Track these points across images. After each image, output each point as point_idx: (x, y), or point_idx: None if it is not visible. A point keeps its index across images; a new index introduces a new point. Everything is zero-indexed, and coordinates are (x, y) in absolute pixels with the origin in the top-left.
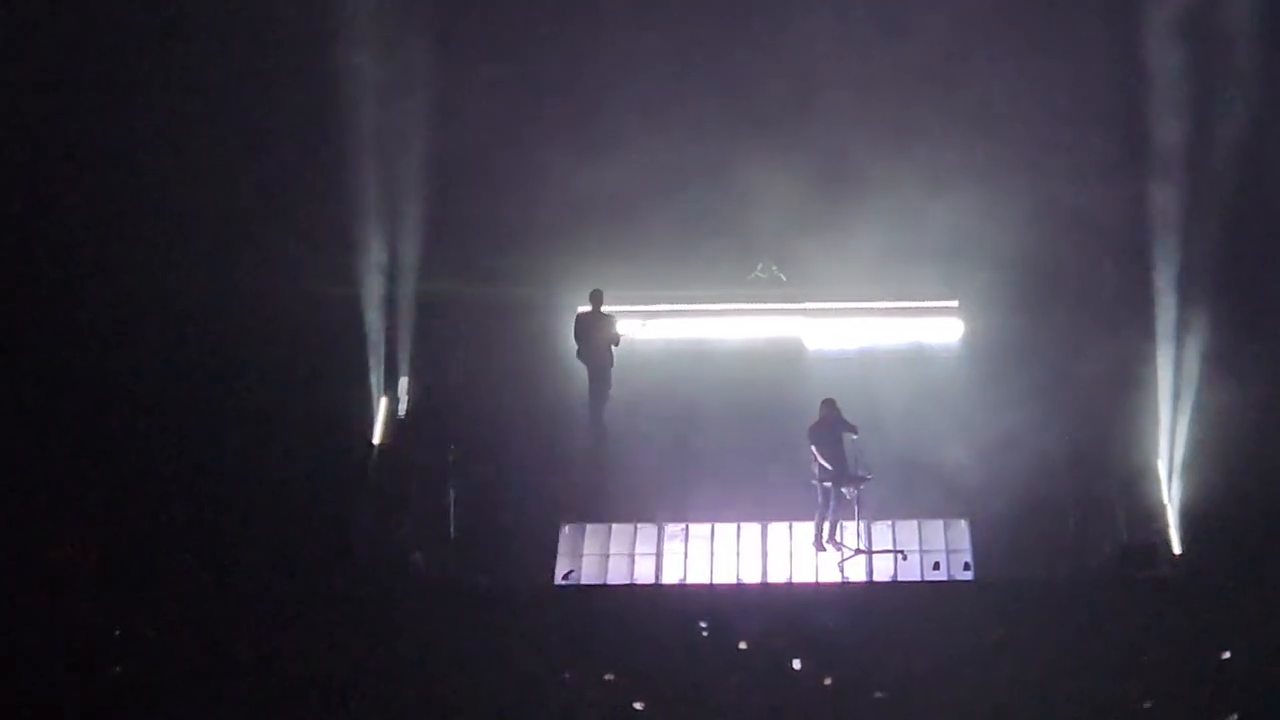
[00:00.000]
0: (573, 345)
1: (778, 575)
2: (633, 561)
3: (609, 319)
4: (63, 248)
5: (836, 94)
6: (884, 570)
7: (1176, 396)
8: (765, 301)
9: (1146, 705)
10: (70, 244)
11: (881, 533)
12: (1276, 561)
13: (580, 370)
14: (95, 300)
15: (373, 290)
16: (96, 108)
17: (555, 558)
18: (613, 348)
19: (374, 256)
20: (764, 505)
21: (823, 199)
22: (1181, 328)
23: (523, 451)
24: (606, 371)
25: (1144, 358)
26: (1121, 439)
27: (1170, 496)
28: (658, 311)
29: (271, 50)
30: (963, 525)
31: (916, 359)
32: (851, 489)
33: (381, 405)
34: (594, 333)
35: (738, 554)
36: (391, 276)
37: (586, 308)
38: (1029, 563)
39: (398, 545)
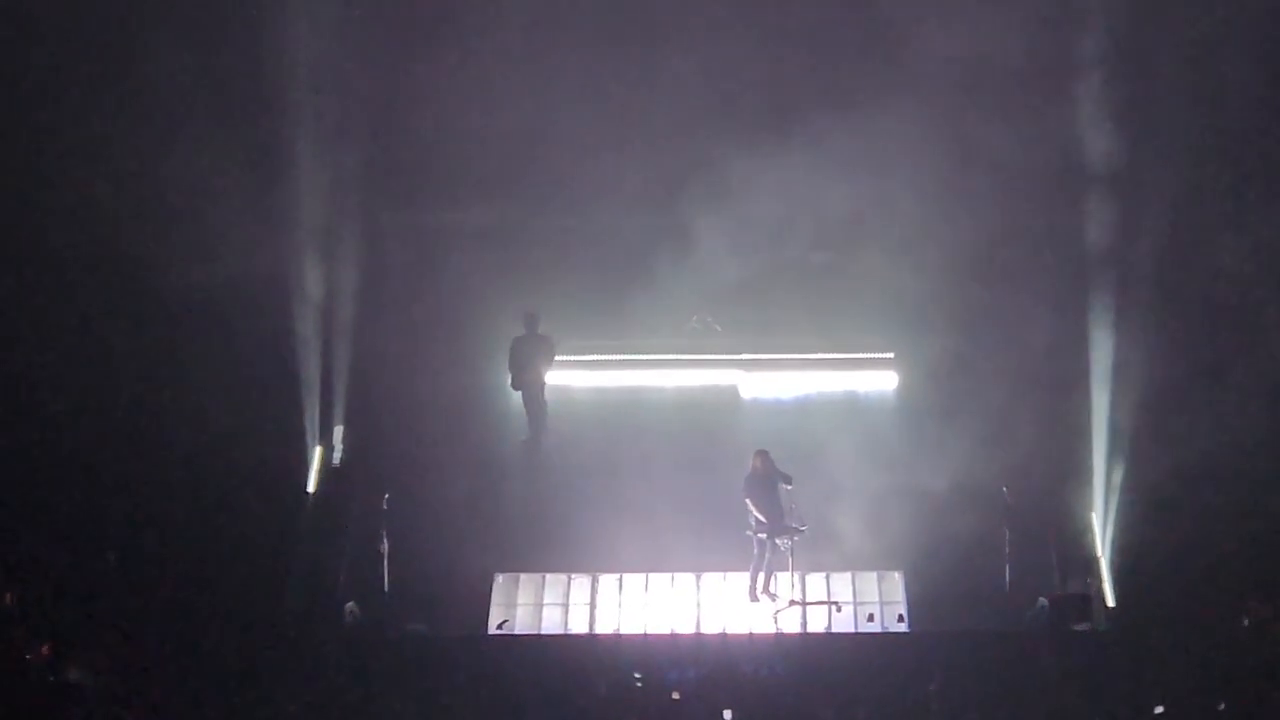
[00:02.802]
0: (508, 376)
1: (712, 626)
2: (567, 611)
3: (548, 341)
4: None
5: (772, 144)
6: (818, 622)
7: (1111, 449)
8: (701, 352)
9: None
10: None
11: (816, 584)
12: (1210, 614)
13: (515, 415)
14: (28, 343)
15: (307, 339)
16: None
17: (489, 607)
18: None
19: (309, 305)
20: (698, 555)
21: (758, 251)
22: (1117, 380)
23: (456, 501)
24: (542, 396)
25: (1079, 410)
26: (1056, 491)
27: (1104, 548)
28: (593, 361)
29: (204, 91)
30: (897, 577)
31: (852, 410)
32: (786, 540)
33: (316, 454)
34: (533, 358)
35: (672, 604)
36: (327, 325)
37: (521, 333)
38: (963, 615)
39: (332, 595)
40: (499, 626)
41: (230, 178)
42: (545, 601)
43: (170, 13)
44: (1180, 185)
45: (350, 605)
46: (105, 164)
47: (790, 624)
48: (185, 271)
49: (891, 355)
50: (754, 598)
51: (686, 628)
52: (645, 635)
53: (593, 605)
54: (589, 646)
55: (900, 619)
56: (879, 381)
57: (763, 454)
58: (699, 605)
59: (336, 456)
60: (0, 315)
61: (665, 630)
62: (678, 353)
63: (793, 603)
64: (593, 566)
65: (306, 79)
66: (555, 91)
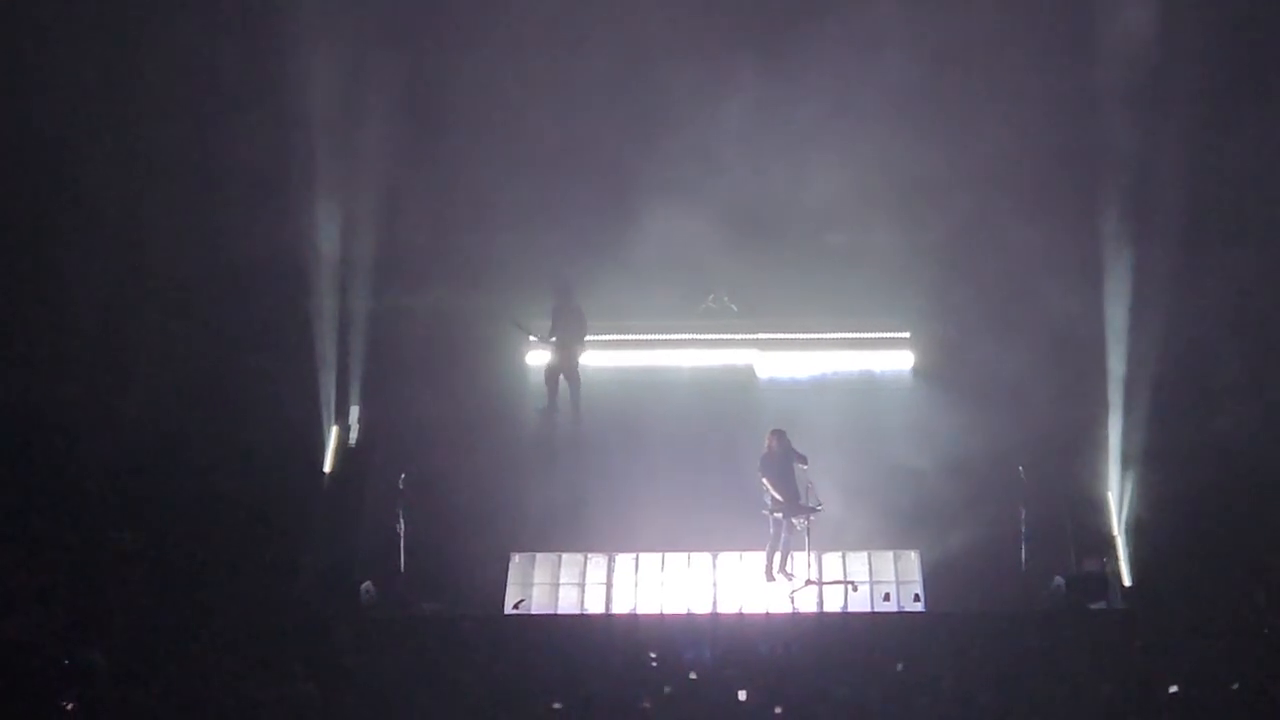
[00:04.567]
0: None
1: (728, 606)
2: (583, 591)
3: (581, 313)
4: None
5: (789, 125)
6: (834, 601)
7: (1128, 427)
8: (717, 332)
9: None
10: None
11: (832, 564)
12: (1226, 594)
13: (532, 393)
14: (42, 327)
15: (324, 318)
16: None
17: (505, 587)
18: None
19: (326, 284)
20: (714, 535)
21: (773, 229)
22: (1134, 357)
23: (473, 480)
24: (577, 370)
25: (1095, 388)
26: (1072, 470)
27: (1121, 527)
28: (609, 341)
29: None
30: (913, 556)
31: (868, 389)
32: (802, 520)
33: (332, 434)
34: (573, 330)
35: (688, 584)
36: (343, 304)
37: (555, 303)
38: (979, 594)
39: (348, 574)
40: (515, 606)
41: (246, 155)
42: (561, 581)
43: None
44: (1205, 129)
45: (366, 585)
46: (121, 141)
47: (806, 604)
48: (201, 250)
49: (907, 334)
50: (770, 577)
51: (703, 607)
52: (661, 615)
53: (609, 585)
54: (605, 626)
55: (916, 598)
56: (895, 361)
57: (778, 434)
58: (715, 585)
59: (353, 436)
60: (14, 295)
61: (681, 610)
62: (694, 333)
63: (809, 582)
64: (609, 546)
65: (325, 56)
66: (572, 71)
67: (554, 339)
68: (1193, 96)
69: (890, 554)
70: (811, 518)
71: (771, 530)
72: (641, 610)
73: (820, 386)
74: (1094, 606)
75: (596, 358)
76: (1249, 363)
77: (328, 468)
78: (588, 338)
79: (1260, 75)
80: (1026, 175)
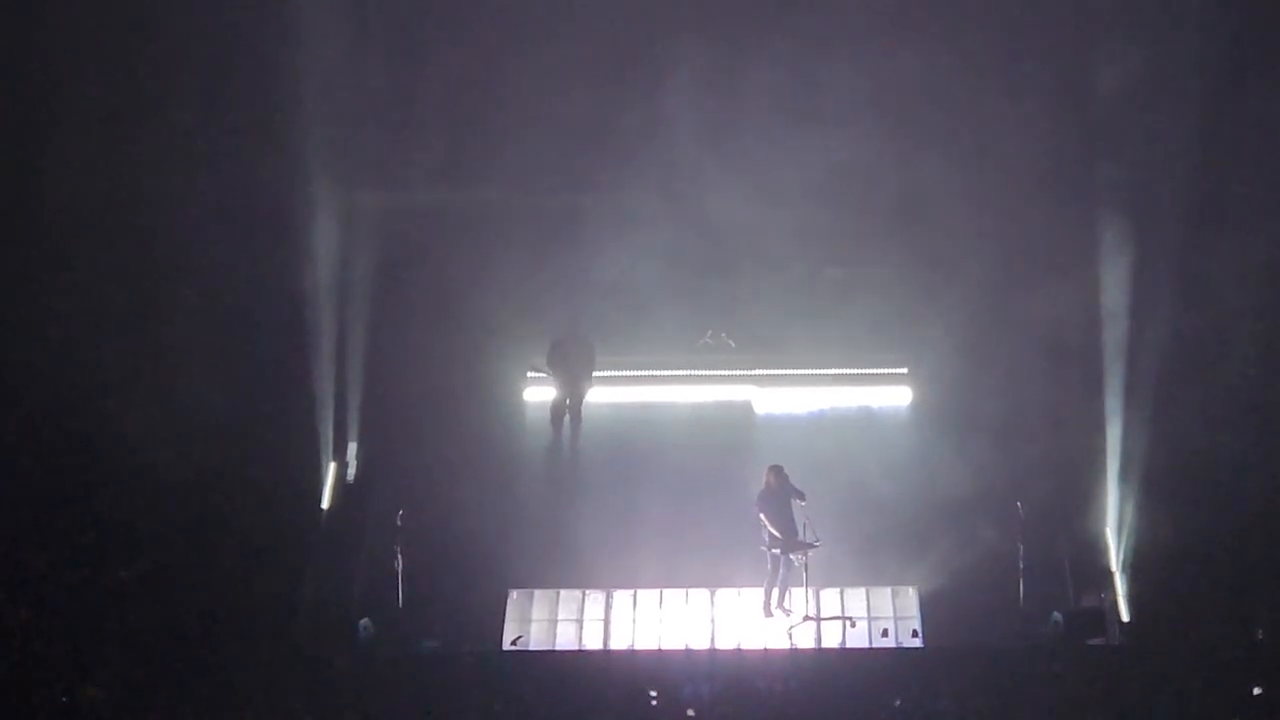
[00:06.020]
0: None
1: (726, 642)
2: (581, 627)
3: (590, 346)
4: None
5: (784, 161)
6: (833, 637)
7: (1126, 464)
8: (714, 368)
9: None
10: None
11: (830, 599)
12: (1224, 630)
13: (531, 431)
14: (40, 360)
15: (322, 355)
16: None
17: (503, 623)
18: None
19: (324, 321)
20: (713, 571)
21: (771, 266)
22: (1131, 394)
23: (471, 517)
24: (580, 406)
25: (1093, 424)
26: (1070, 506)
27: (1119, 563)
28: (607, 377)
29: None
30: (911, 592)
31: (866, 425)
32: (800, 555)
33: (330, 470)
34: (581, 364)
35: (686, 620)
36: (341, 340)
37: (562, 335)
38: (977, 630)
39: (346, 611)
40: (513, 642)
41: (243, 191)
42: (560, 617)
43: (178, 24)
44: (1206, 146)
45: (365, 621)
46: (121, 175)
47: (804, 640)
48: (199, 286)
49: (905, 370)
50: (768, 613)
51: (701, 643)
52: (659, 651)
53: (607, 621)
54: (603, 662)
55: (914, 634)
56: (893, 397)
57: (776, 470)
58: (713, 621)
59: (351, 473)
60: (13, 330)
61: (679, 646)
62: (691, 368)
63: (807, 618)
64: (607, 582)
65: (321, 86)
66: (568, 98)
67: (561, 374)
68: (1192, 101)
69: (888, 590)
70: (809, 553)
71: (769, 566)
72: (639, 646)
73: (818, 422)
74: (1092, 642)
75: (594, 393)
76: (1249, 390)
77: (326, 504)
78: (595, 373)
79: (1260, 73)
80: (1024, 197)
